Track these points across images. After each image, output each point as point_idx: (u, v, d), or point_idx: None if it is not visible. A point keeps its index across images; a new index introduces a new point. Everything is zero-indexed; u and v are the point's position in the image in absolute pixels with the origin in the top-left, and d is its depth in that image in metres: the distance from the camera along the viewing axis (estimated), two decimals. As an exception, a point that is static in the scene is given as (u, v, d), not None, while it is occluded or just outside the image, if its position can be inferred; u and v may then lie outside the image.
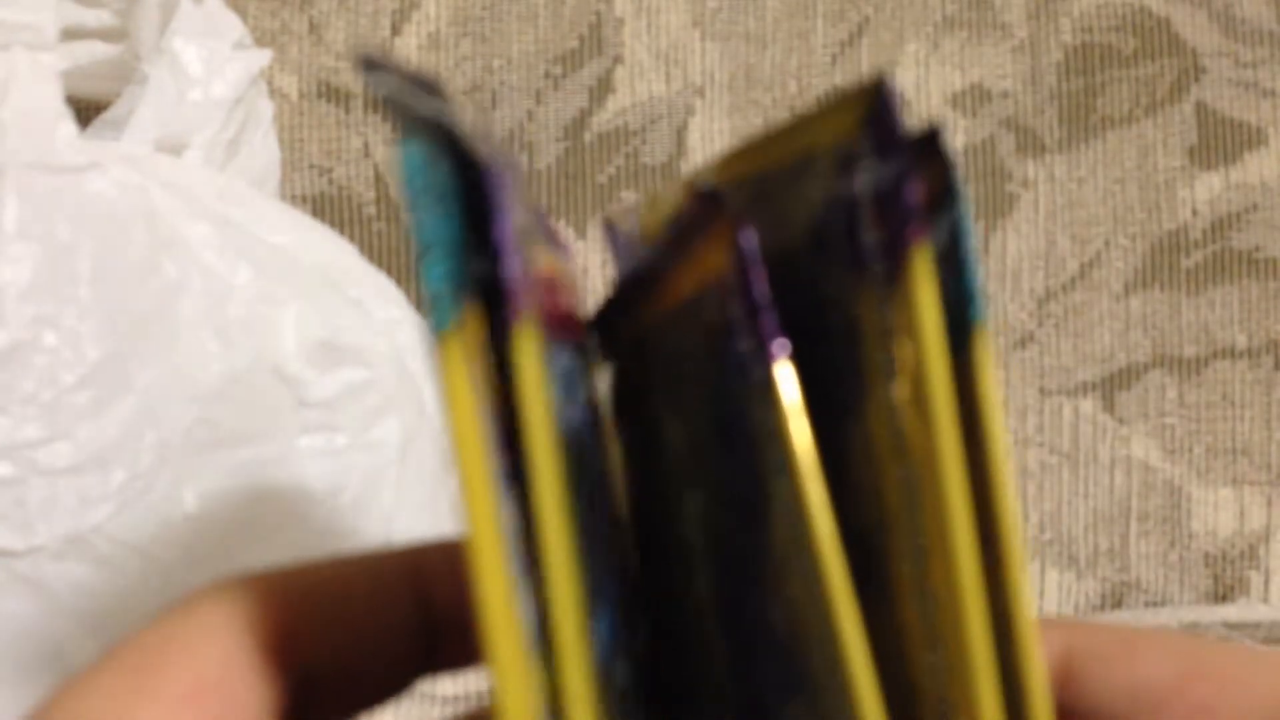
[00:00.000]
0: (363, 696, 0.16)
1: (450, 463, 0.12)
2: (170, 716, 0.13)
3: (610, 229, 0.19)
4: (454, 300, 0.12)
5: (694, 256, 0.15)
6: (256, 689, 0.14)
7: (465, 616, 0.13)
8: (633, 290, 0.17)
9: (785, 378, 0.14)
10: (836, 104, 0.14)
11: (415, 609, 0.16)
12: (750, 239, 0.14)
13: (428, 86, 0.13)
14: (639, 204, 0.19)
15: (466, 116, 0.14)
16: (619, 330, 0.17)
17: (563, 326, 0.15)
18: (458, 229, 0.12)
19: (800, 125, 0.15)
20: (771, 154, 0.16)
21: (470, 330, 0.12)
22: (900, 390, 0.13)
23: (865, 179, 0.13)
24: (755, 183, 0.16)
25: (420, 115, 0.12)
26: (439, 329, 0.11)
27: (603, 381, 0.18)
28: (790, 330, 0.14)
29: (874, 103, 0.13)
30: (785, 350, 0.14)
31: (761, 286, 0.14)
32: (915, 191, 0.13)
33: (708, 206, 0.15)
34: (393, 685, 0.16)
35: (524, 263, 0.12)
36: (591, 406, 0.16)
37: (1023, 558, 0.13)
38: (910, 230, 0.13)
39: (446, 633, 0.16)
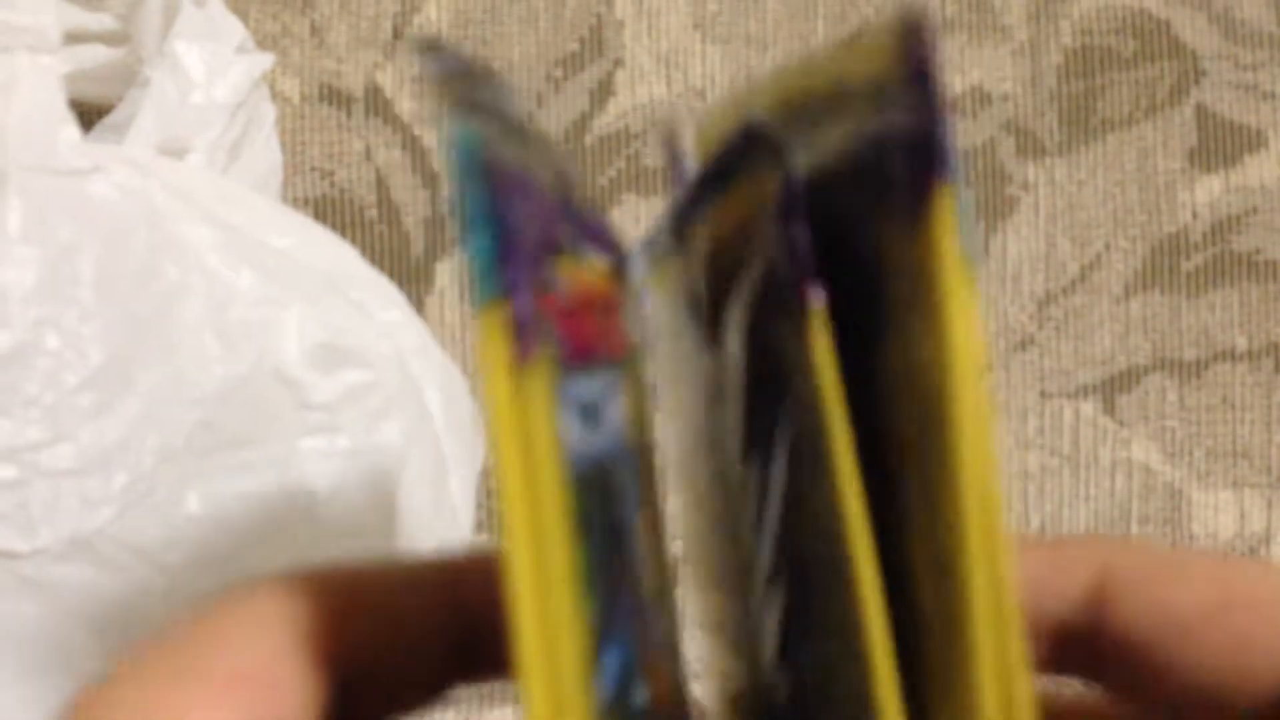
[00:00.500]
0: (400, 701, 0.16)
1: (490, 447, 0.12)
2: (211, 703, 0.13)
3: (669, 147, 0.19)
4: (498, 269, 0.12)
5: (742, 190, 0.15)
6: (300, 684, 0.14)
7: (499, 628, 0.13)
8: (686, 215, 0.17)
9: (819, 329, 0.14)
10: (874, 36, 0.14)
11: (453, 616, 0.16)
12: (795, 184, 0.14)
13: (485, 75, 0.13)
14: (696, 123, 0.19)
15: (520, 110, 0.14)
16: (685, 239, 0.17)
17: (592, 349, 0.15)
18: (497, 213, 0.12)
19: (840, 54, 0.15)
20: (814, 79, 0.16)
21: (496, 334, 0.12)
22: (915, 327, 0.13)
23: (898, 116, 0.13)
24: (797, 109, 0.16)
25: (478, 100, 0.12)
26: (483, 298, 0.12)
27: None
28: (826, 261, 0.14)
29: (908, 40, 0.13)
30: (820, 300, 0.14)
31: (804, 235, 0.14)
32: (945, 132, 0.13)
33: (755, 142, 0.15)
34: (430, 691, 0.16)
35: (540, 295, 0.12)
36: (632, 421, 0.16)
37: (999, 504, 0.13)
38: (936, 170, 0.13)
39: (482, 642, 0.16)
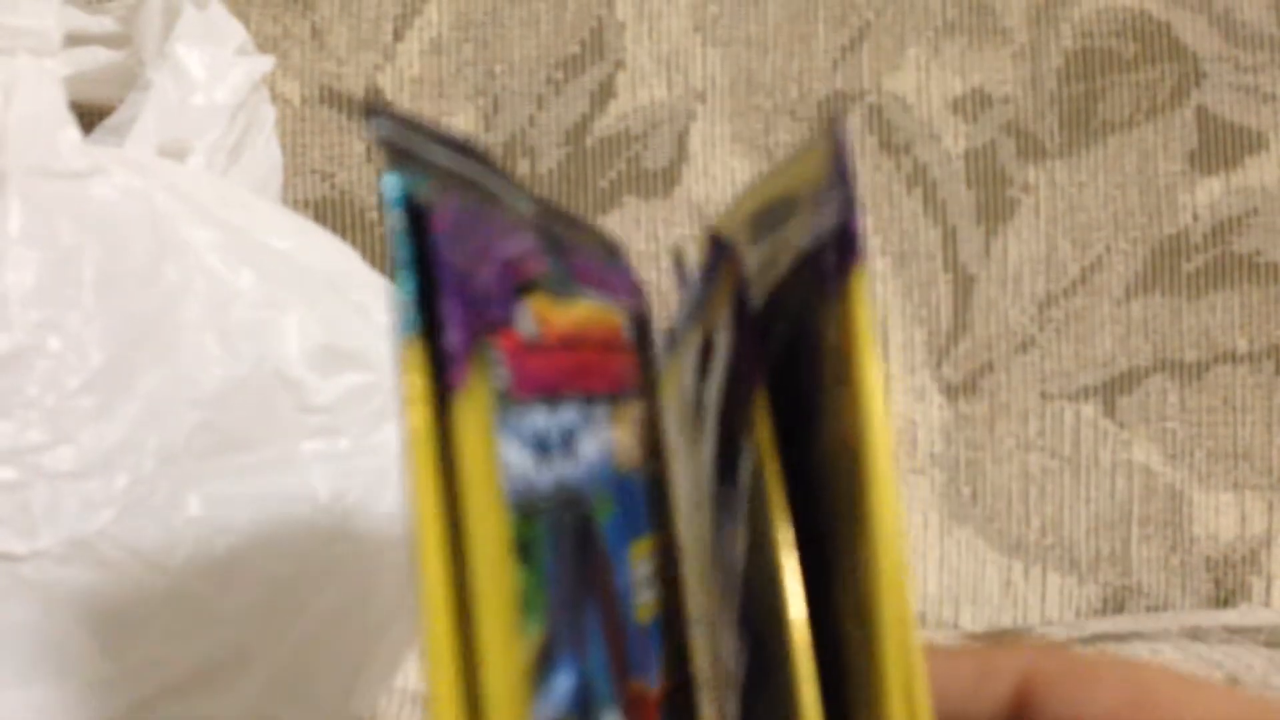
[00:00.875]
0: None
1: (405, 483, 0.12)
2: None
3: (677, 263, 0.21)
4: (418, 312, 0.13)
5: (712, 294, 0.18)
6: None
7: None
8: (685, 316, 0.19)
9: (760, 409, 0.16)
10: (812, 146, 0.16)
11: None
12: (744, 287, 0.16)
13: (439, 138, 0.14)
14: (698, 238, 0.20)
15: (489, 170, 0.15)
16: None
17: (561, 383, 0.15)
18: (430, 256, 0.13)
19: (794, 162, 0.17)
20: (777, 187, 0.18)
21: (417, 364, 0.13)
22: (840, 394, 0.15)
23: (829, 211, 0.15)
24: (766, 215, 0.18)
25: (420, 157, 0.13)
26: (402, 333, 0.13)
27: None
28: (784, 345, 0.16)
29: (832, 145, 0.15)
30: (762, 391, 0.16)
31: (750, 328, 0.16)
32: (858, 222, 0.15)
33: (718, 249, 0.17)
34: None
35: (489, 332, 0.13)
36: (632, 452, 0.17)
37: (900, 549, 0.14)
38: (855, 254, 0.15)
39: None
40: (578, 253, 0.17)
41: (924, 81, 0.47)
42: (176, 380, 0.28)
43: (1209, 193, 0.47)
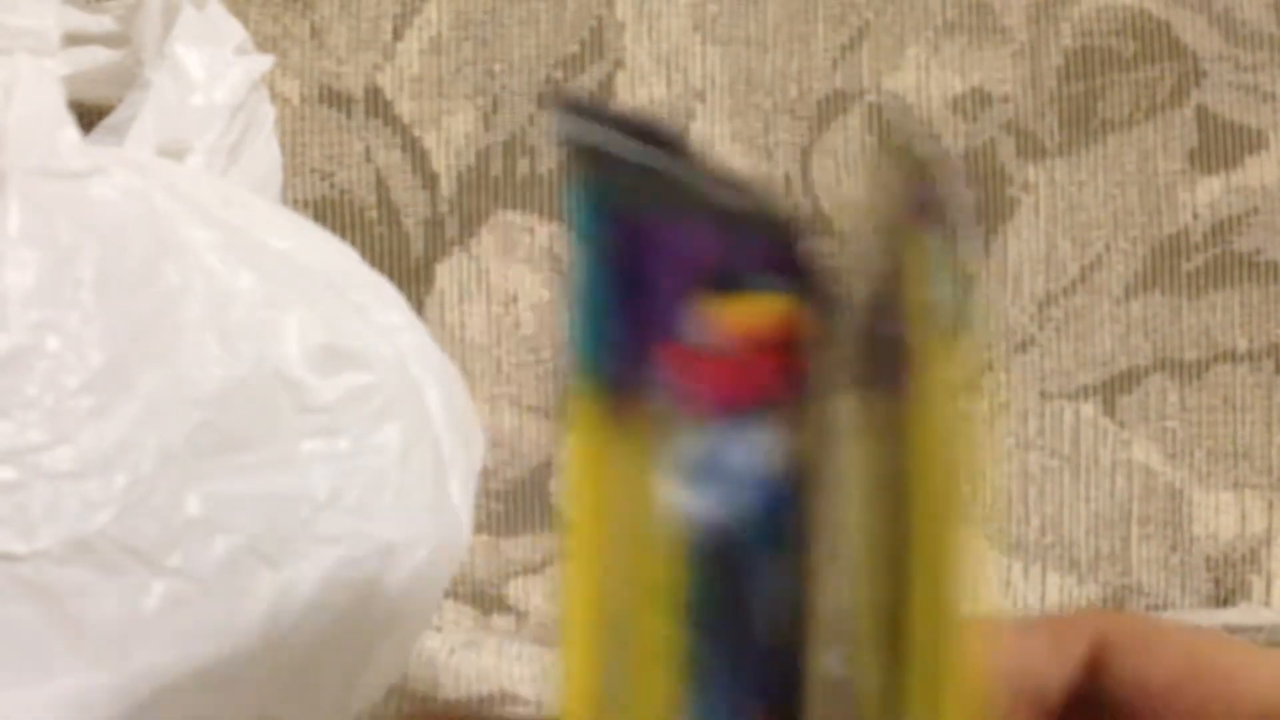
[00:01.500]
0: None
1: (565, 521, 0.12)
2: None
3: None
4: (593, 358, 0.12)
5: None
6: None
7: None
8: None
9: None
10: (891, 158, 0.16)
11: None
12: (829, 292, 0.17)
13: (625, 127, 0.13)
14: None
15: (673, 156, 0.14)
16: None
17: (738, 397, 0.15)
18: (609, 296, 0.12)
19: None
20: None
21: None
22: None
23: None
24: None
25: (607, 155, 0.13)
26: (577, 377, 0.12)
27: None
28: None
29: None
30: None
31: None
32: (922, 189, 0.15)
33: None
34: None
35: (662, 349, 0.13)
36: (796, 461, 0.17)
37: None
38: (918, 220, 0.14)
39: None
40: (759, 237, 0.16)
41: (924, 81, 0.47)
42: (176, 380, 0.28)
43: (1209, 192, 0.47)
